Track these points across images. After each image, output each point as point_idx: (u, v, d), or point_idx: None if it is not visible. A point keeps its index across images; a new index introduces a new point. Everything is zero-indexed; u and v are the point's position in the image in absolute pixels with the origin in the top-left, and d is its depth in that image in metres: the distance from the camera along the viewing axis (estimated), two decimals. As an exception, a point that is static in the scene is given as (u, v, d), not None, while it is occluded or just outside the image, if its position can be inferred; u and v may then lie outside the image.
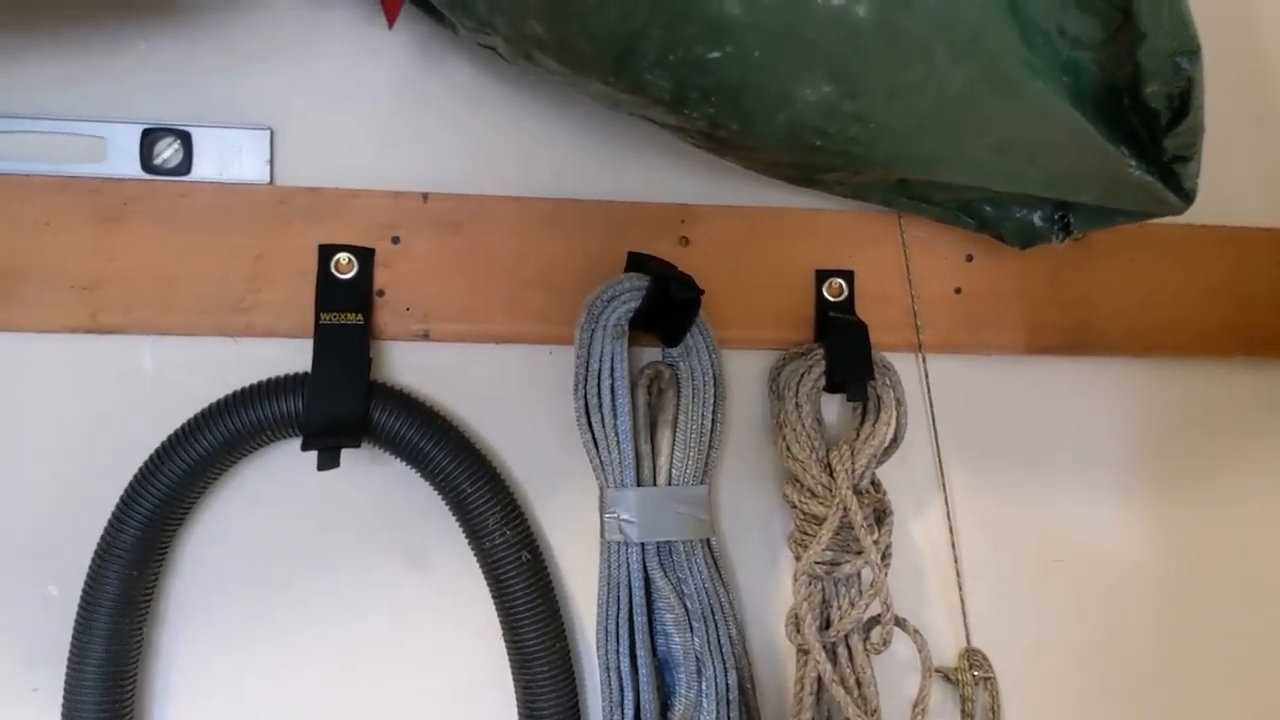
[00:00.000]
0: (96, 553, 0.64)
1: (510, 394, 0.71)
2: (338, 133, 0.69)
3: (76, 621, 0.64)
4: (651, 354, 0.70)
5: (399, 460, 0.67)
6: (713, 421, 0.67)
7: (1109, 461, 0.78)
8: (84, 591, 0.64)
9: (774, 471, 0.73)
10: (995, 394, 0.76)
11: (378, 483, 0.69)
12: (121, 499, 0.64)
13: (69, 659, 0.64)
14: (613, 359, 0.64)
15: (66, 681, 0.64)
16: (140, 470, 0.64)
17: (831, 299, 0.72)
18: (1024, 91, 0.56)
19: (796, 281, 0.72)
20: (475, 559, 0.67)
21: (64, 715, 0.63)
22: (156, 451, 0.64)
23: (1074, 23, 0.57)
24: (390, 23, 0.54)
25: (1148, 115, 0.59)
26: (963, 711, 0.73)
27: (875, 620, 0.69)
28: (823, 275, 0.72)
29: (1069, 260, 0.75)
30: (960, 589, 0.75)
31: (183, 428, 0.64)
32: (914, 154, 0.58)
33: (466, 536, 0.68)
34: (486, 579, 0.67)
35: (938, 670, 0.74)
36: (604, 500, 0.66)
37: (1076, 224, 0.67)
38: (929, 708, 0.69)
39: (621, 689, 0.65)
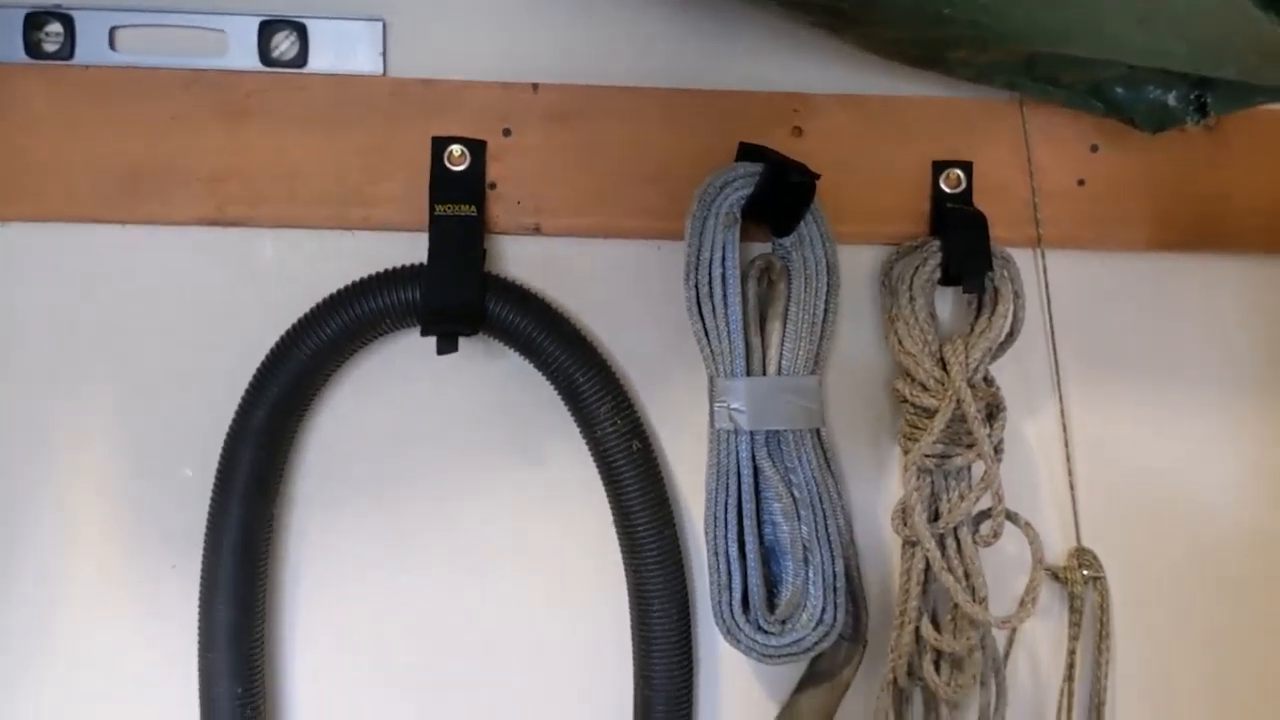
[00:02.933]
0: (229, 435, 0.67)
1: (618, 289, 0.71)
2: (449, 23, 0.69)
3: (211, 502, 0.67)
4: (761, 249, 0.70)
5: (513, 354, 0.69)
6: (825, 311, 0.66)
7: (1235, 364, 0.75)
8: (218, 473, 0.67)
9: (883, 370, 0.73)
10: (1117, 292, 0.73)
11: (492, 376, 0.71)
12: (251, 383, 0.67)
13: (206, 537, 0.67)
14: (724, 247, 0.64)
15: (204, 558, 0.67)
16: (269, 355, 0.67)
17: (949, 191, 0.70)
18: (1173, -45, 0.53)
19: (912, 173, 0.70)
20: (587, 449, 0.69)
21: (202, 590, 0.67)
22: (284, 337, 0.67)
23: (1227, -119, 0.54)
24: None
25: (1301, -20, 0.55)
26: (1071, 608, 0.73)
27: (985, 514, 0.69)
28: (940, 166, 0.70)
29: (1200, 152, 0.72)
30: (1072, 489, 0.74)
31: (309, 314, 0.67)
32: (1050, 24, 0.55)
33: (579, 426, 0.69)
34: (598, 467, 0.69)
35: (1046, 569, 0.73)
36: (714, 389, 0.66)
37: (1214, 104, 0.64)
38: (1038, 603, 0.68)
39: (729, 573, 0.66)
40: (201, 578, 0.67)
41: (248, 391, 0.67)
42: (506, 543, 0.71)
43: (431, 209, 0.67)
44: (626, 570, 0.70)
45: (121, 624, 0.70)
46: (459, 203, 0.67)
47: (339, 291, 0.67)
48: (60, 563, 0.69)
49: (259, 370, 0.67)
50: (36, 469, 0.69)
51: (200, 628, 0.67)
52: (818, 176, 0.63)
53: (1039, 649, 0.75)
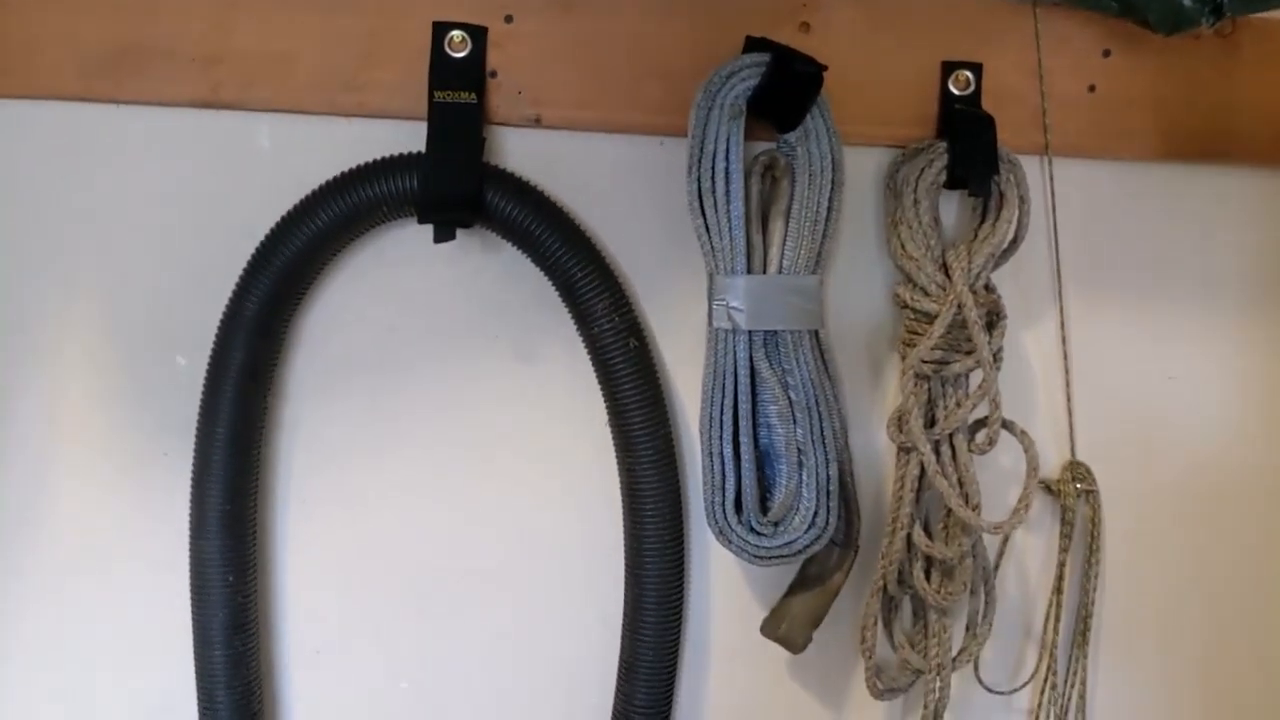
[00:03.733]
0: (222, 322, 0.66)
1: (619, 185, 0.70)
2: (451, -98, 0.67)
3: (205, 389, 0.67)
4: (766, 150, 0.68)
5: (510, 247, 0.68)
6: (829, 209, 0.65)
7: (1238, 278, 0.74)
8: (211, 360, 0.67)
9: (884, 277, 0.72)
10: (1123, 202, 0.73)
11: (489, 271, 0.70)
12: (246, 269, 0.66)
13: (199, 424, 0.67)
14: (728, 140, 0.63)
15: (197, 446, 0.67)
16: (263, 242, 0.66)
17: (957, 93, 0.69)
18: None
19: (921, 74, 0.69)
20: (583, 346, 0.68)
21: (194, 477, 0.67)
22: (279, 224, 0.65)
23: None
24: None
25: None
26: (1063, 521, 0.73)
27: (980, 423, 0.68)
28: (949, 67, 0.69)
29: (1213, 61, 0.71)
30: (1069, 401, 0.73)
31: (304, 201, 0.65)
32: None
33: (575, 323, 0.68)
34: (594, 365, 0.68)
35: (1040, 481, 0.73)
36: (713, 287, 0.66)
37: (1229, 5, 0.62)
38: (1030, 510, 0.68)
39: (723, 474, 0.66)
40: (194, 465, 0.67)
41: (241, 279, 0.66)
42: (500, 439, 0.71)
43: (431, 96, 0.65)
44: (620, 469, 0.70)
45: (113, 510, 0.70)
46: (459, 90, 0.66)
47: (335, 178, 0.65)
48: (52, 449, 0.69)
49: (253, 257, 0.66)
50: (26, 356, 0.68)
51: (192, 514, 0.67)
52: (825, 67, 0.62)
53: (1029, 561, 0.76)
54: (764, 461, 0.68)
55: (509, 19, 0.67)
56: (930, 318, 0.66)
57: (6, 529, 0.69)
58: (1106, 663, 0.77)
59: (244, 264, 0.66)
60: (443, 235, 0.65)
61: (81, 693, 0.71)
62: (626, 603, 0.70)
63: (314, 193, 0.65)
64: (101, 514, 0.70)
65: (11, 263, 0.68)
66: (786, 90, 0.63)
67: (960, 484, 0.68)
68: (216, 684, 0.68)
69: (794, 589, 0.71)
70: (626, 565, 0.70)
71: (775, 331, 0.65)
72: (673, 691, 0.72)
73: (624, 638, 0.71)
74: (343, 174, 0.66)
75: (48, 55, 0.65)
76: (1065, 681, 0.75)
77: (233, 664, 0.68)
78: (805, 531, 0.66)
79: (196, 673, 0.68)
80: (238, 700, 0.68)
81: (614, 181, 0.70)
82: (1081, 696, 0.75)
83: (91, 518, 0.70)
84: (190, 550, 0.67)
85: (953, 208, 0.72)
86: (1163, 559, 0.76)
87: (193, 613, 0.67)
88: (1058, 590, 0.74)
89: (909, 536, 0.69)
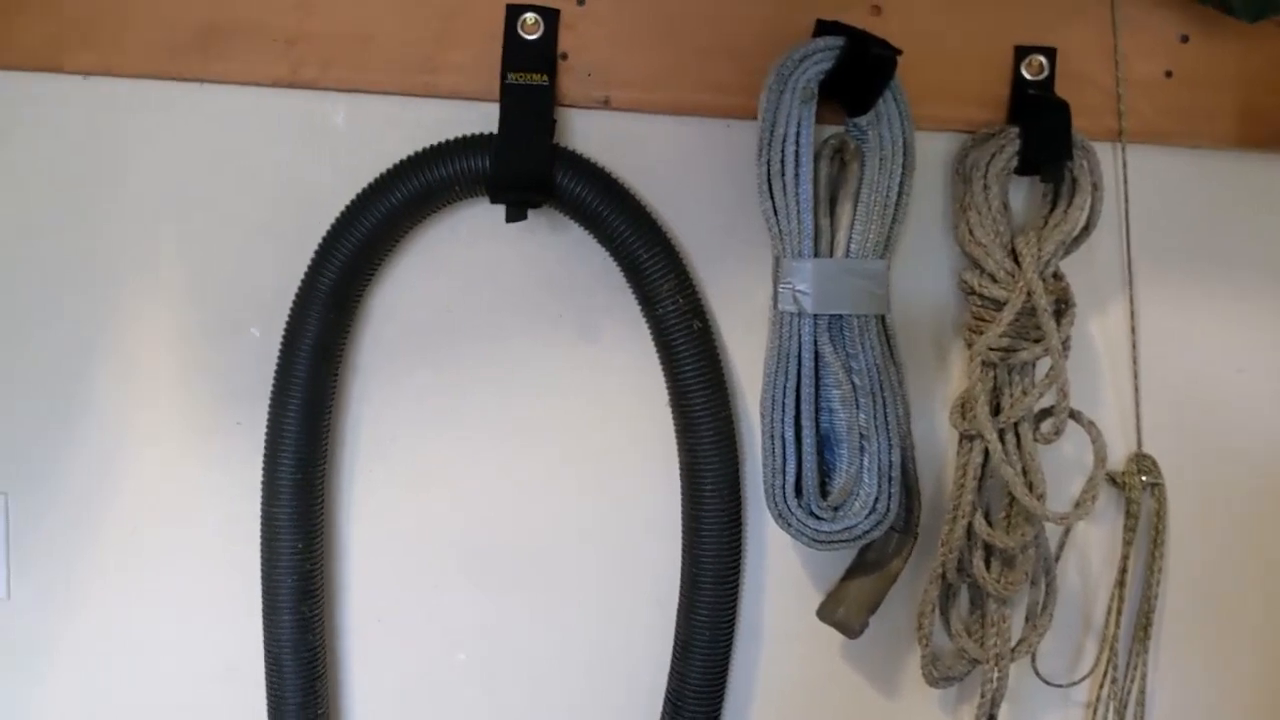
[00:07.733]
0: (296, 299, 0.68)
1: (686, 168, 0.70)
2: (527, -115, 0.68)
3: (279, 361, 0.69)
4: (833, 133, 0.68)
5: (576, 227, 0.69)
6: (899, 193, 0.65)
7: (1313, 271, 0.73)
8: (285, 333, 0.69)
9: (949, 262, 0.72)
10: (1197, 190, 0.72)
11: (554, 251, 0.71)
12: (321, 245, 0.67)
13: (272, 395, 0.69)
14: (799, 124, 0.63)
15: (270, 416, 0.69)
16: (339, 218, 0.67)
17: (1030, 78, 0.68)
18: None
19: (993, 58, 0.69)
20: (645, 327, 0.69)
21: (267, 446, 0.69)
22: (355, 200, 0.67)
23: None
24: None
25: None
26: (1127, 513, 0.72)
27: (1046, 412, 0.68)
28: (1022, 51, 0.68)
29: (1295, 48, 0.69)
30: (1136, 391, 0.72)
31: (380, 179, 0.67)
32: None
33: (639, 304, 0.69)
34: (656, 346, 0.69)
35: (1105, 473, 0.72)
36: (779, 270, 0.66)
37: (1320, -8, 0.61)
38: (1096, 502, 0.67)
39: (784, 457, 0.66)
40: (267, 435, 0.69)
41: (316, 255, 0.68)
42: (560, 418, 0.72)
43: (503, 77, 0.66)
44: (680, 450, 0.70)
45: (187, 477, 0.72)
46: (531, 72, 0.67)
47: (410, 157, 0.67)
48: (127, 416, 0.71)
49: (329, 233, 0.68)
50: (107, 326, 0.71)
51: (264, 482, 0.69)
52: (900, 52, 0.62)
53: (1090, 552, 0.75)
54: (824, 445, 0.68)
55: (581, 1, 0.68)
56: (998, 304, 0.66)
57: (84, 494, 0.71)
58: (1167, 658, 0.76)
59: (318, 241, 0.68)
60: (515, 215, 0.66)
61: (150, 654, 0.73)
62: (683, 582, 0.71)
63: (389, 171, 0.67)
64: (175, 481, 0.72)
65: (96, 234, 0.70)
66: (860, 74, 0.62)
67: (1025, 473, 0.67)
68: (283, 648, 0.70)
69: (852, 573, 0.71)
70: (684, 545, 0.71)
71: (841, 315, 0.65)
72: (727, 671, 0.72)
73: (679, 617, 0.71)
74: (417, 153, 0.67)
75: (139, 33, 0.67)
76: (1125, 676, 0.75)
77: (299, 629, 0.69)
78: (866, 517, 0.66)
79: (264, 637, 0.70)
80: (303, 665, 0.70)
81: (680, 163, 0.70)
82: (1142, 691, 0.74)
83: (166, 484, 0.72)
84: (262, 516, 0.69)
85: (1021, 193, 0.71)
86: (1228, 555, 0.75)
87: (262, 578, 0.69)
88: (1120, 584, 0.73)
89: (970, 525, 0.69)
